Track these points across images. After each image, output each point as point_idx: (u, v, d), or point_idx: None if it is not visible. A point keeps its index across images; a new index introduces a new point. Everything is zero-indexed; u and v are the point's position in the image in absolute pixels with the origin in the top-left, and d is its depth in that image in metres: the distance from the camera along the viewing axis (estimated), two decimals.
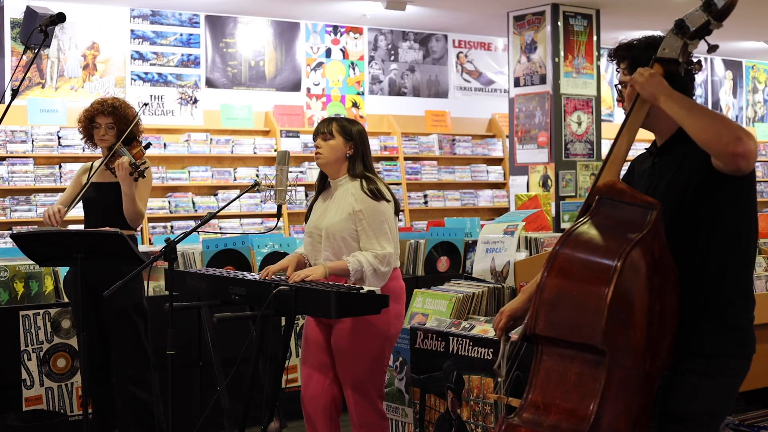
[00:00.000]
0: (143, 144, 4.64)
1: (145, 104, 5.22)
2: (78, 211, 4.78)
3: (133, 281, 4.11)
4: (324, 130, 3.90)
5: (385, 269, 3.76)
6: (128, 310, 4.41)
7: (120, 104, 4.61)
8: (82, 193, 4.54)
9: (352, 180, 3.88)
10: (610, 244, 2.47)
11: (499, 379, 2.79)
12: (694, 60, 2.63)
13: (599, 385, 2.40)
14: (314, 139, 3.94)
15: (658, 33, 2.82)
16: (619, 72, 2.80)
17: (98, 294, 3.70)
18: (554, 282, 2.49)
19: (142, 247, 5.31)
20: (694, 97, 2.68)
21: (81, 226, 4.64)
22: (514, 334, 2.81)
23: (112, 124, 4.55)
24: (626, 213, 2.54)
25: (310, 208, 4.04)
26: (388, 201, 3.85)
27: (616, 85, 2.83)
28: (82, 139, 4.73)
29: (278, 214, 3.94)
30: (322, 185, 4.02)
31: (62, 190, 8.44)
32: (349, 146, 3.89)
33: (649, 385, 2.50)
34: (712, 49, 2.63)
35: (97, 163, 4.65)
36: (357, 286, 3.58)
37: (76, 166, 8.59)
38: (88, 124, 4.62)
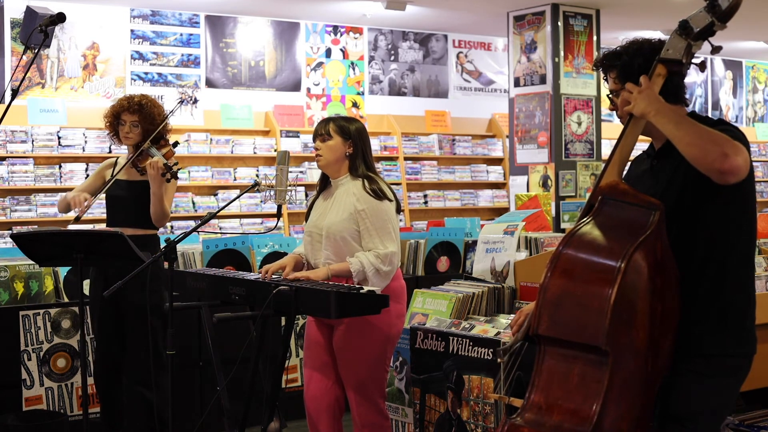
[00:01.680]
0: (171, 143, 4.60)
1: (181, 101, 5.15)
2: (96, 208, 4.73)
3: (151, 282, 4.10)
4: (322, 131, 3.89)
5: (387, 268, 3.75)
6: (144, 311, 4.31)
7: (147, 102, 4.55)
8: (107, 188, 4.51)
9: (354, 179, 3.87)
10: (614, 244, 2.47)
11: (499, 360, 2.76)
12: (698, 60, 2.63)
13: (602, 386, 2.40)
14: (313, 141, 3.93)
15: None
16: (607, 81, 2.79)
17: (118, 294, 3.65)
18: (557, 282, 2.49)
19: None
20: (686, 95, 2.69)
21: (102, 225, 4.59)
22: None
23: (137, 122, 4.52)
24: (629, 213, 2.54)
25: (310, 207, 4.03)
26: (390, 200, 3.84)
27: (607, 95, 2.82)
28: (108, 135, 4.67)
29: (278, 214, 3.93)
30: (324, 184, 4.01)
31: (62, 190, 8.49)
32: (348, 145, 3.88)
33: (650, 385, 2.50)
34: (715, 50, 2.62)
35: (122, 160, 4.62)
36: (357, 286, 3.58)
37: (76, 166, 8.59)
38: (114, 120, 4.58)
